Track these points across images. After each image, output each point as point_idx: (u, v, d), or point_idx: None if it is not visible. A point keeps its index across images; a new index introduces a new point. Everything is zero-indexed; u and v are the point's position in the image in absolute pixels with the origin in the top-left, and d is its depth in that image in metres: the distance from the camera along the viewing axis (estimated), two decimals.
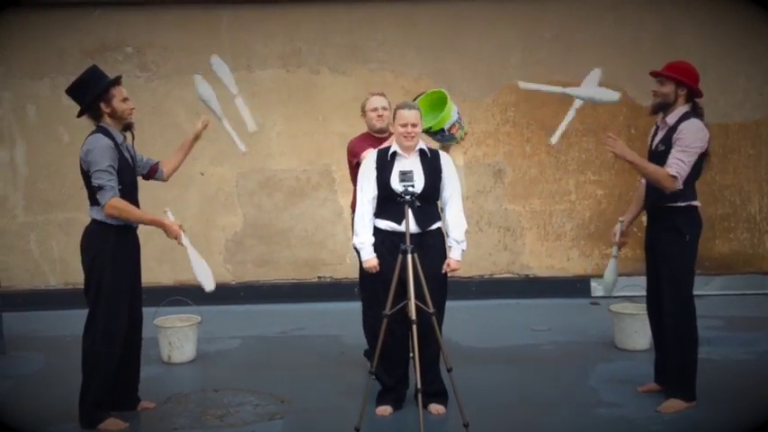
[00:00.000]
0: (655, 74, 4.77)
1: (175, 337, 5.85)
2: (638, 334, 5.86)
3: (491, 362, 5.78)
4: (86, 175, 4.59)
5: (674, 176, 4.53)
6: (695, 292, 4.79)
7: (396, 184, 4.60)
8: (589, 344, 6.18)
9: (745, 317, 6.90)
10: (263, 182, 7.90)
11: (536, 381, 5.36)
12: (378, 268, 4.65)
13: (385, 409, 4.79)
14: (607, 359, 5.77)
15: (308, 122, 7.85)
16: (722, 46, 7.71)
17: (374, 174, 4.73)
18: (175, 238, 4.72)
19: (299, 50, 7.80)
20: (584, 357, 5.85)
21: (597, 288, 7.78)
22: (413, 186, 4.47)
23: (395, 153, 4.72)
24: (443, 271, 4.71)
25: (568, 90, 5.05)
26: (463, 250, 4.77)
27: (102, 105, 4.63)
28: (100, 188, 4.50)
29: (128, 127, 4.73)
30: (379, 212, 4.75)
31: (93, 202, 4.60)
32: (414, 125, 4.65)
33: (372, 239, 4.70)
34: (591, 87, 5.06)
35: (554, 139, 5.17)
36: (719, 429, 4.53)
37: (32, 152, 7.80)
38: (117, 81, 4.72)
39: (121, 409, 4.78)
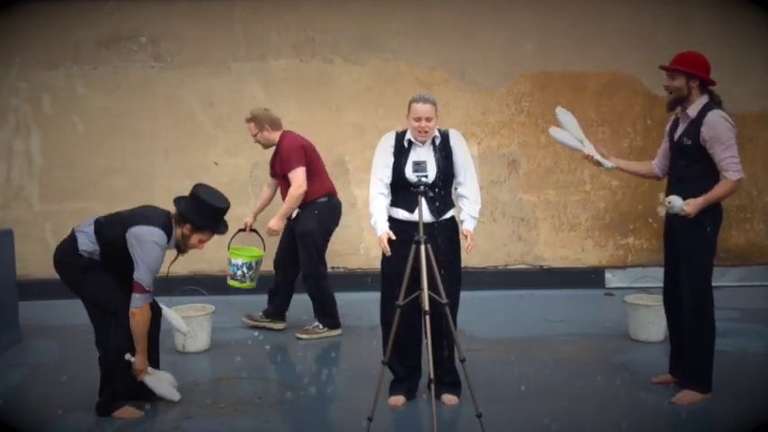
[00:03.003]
0: (664, 68, 4.71)
1: (190, 326, 5.86)
2: (652, 325, 5.83)
3: (505, 353, 5.77)
4: (122, 248, 4.55)
5: (739, 178, 4.54)
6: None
7: (409, 174, 4.57)
8: (603, 335, 6.16)
9: (761, 308, 6.85)
10: None
11: (550, 372, 5.34)
12: (392, 237, 4.57)
13: (398, 399, 4.79)
14: (621, 350, 5.75)
15: (321, 112, 7.84)
16: (738, 37, 7.65)
17: (391, 159, 4.70)
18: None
19: (312, 40, 7.79)
20: (599, 348, 5.83)
21: (611, 279, 7.77)
22: (426, 177, 4.44)
23: (410, 141, 4.69)
24: (464, 233, 4.64)
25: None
26: (475, 227, 4.72)
27: (188, 228, 4.60)
28: (141, 287, 4.49)
29: (179, 250, 4.73)
30: (394, 201, 4.73)
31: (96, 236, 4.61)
32: (428, 119, 4.59)
33: (385, 216, 4.67)
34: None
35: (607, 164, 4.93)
36: (734, 421, 4.50)
37: (47, 142, 7.85)
38: (218, 232, 4.73)
39: (140, 399, 4.80)
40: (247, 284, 6.45)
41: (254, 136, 6.33)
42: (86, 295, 4.63)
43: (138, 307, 4.53)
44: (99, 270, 4.62)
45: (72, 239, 4.65)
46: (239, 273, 6.44)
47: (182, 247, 4.70)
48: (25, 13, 7.64)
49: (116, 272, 4.65)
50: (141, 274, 4.49)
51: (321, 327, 6.28)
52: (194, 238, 4.64)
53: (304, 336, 6.24)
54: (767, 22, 7.56)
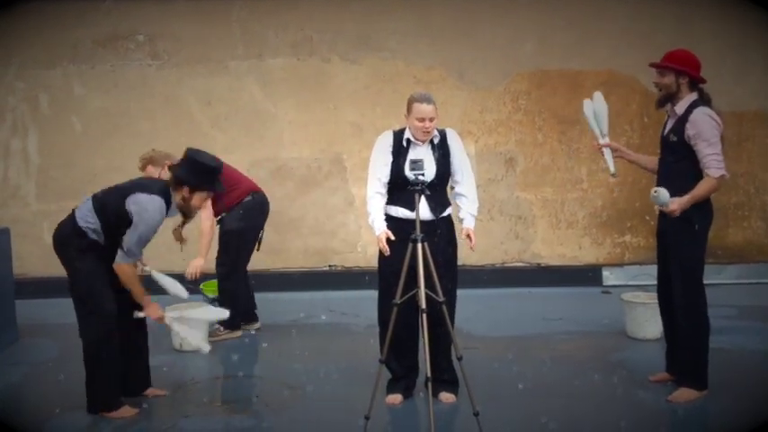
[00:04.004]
0: (654, 65, 4.74)
1: (187, 325, 5.83)
2: (649, 323, 5.83)
3: (502, 350, 5.77)
4: (124, 215, 4.55)
5: (721, 175, 4.55)
6: (708, 281, 4.76)
7: (408, 173, 4.57)
8: (600, 333, 6.16)
9: (758, 306, 6.85)
10: (275, 170, 7.90)
11: (547, 370, 5.35)
12: (391, 237, 4.56)
13: (395, 398, 4.79)
14: (618, 348, 5.75)
15: (319, 111, 7.84)
16: (737, 36, 7.66)
17: (390, 158, 4.68)
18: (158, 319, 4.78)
19: (310, 39, 7.79)
20: (596, 346, 5.84)
21: (609, 277, 7.77)
22: (423, 175, 4.44)
23: (409, 140, 4.69)
24: (465, 234, 4.67)
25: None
26: (474, 225, 4.75)
27: (186, 190, 4.62)
28: (127, 250, 4.52)
29: (184, 214, 4.72)
30: (392, 200, 4.72)
31: (95, 211, 4.62)
32: (431, 119, 4.58)
33: (383, 216, 4.66)
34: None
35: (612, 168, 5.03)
36: (731, 419, 4.50)
37: (45, 141, 7.84)
38: (216, 189, 4.80)
39: (131, 395, 4.80)
40: None
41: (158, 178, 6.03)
42: (76, 281, 4.60)
43: (119, 263, 4.53)
44: (96, 259, 4.59)
45: (71, 218, 4.65)
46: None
47: (186, 211, 4.70)
48: (22, 12, 7.63)
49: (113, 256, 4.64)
50: (131, 243, 4.50)
51: (222, 329, 6.17)
52: (195, 199, 4.66)
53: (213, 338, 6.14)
54: (766, 22, 7.56)
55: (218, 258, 6.17)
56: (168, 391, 5.01)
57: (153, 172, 6.11)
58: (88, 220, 4.60)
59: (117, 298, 4.63)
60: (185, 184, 4.62)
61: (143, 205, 4.50)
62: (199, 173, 4.64)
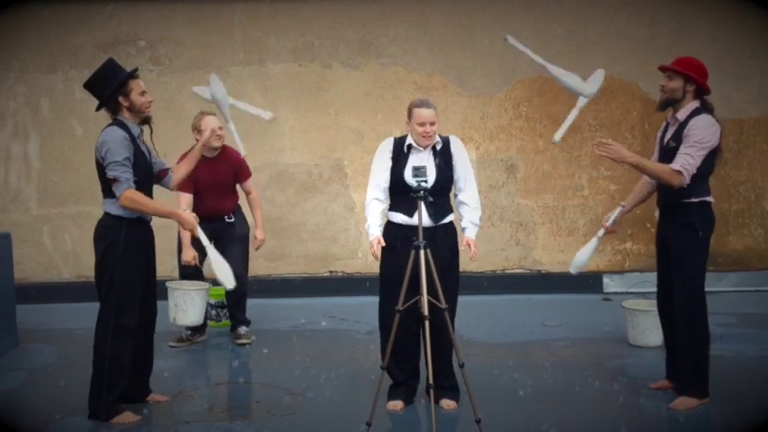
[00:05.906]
0: (664, 68, 4.72)
1: (182, 299, 5.85)
2: (650, 330, 5.83)
3: (503, 357, 5.77)
4: (101, 167, 4.59)
5: (679, 171, 4.48)
6: (708, 289, 4.76)
7: (409, 179, 4.57)
8: (601, 340, 6.16)
9: (758, 313, 6.86)
10: (276, 176, 7.91)
11: (548, 376, 5.34)
12: (382, 243, 4.60)
13: (396, 404, 4.78)
14: (619, 355, 5.75)
15: (320, 117, 7.85)
16: (736, 42, 7.67)
17: (389, 164, 4.70)
18: (191, 231, 4.75)
19: (311, 45, 7.81)
20: (597, 353, 5.83)
21: (609, 284, 7.78)
22: (425, 182, 4.44)
23: (410, 146, 4.70)
24: (465, 243, 4.68)
25: (549, 67, 5.03)
26: (476, 233, 4.76)
27: (121, 99, 4.62)
28: (115, 180, 4.49)
29: (146, 120, 4.71)
30: (393, 205, 4.73)
31: (107, 194, 4.60)
32: (432, 123, 4.61)
33: (378, 222, 4.68)
34: (572, 77, 4.99)
35: (557, 136, 5.08)
36: (732, 426, 4.50)
37: (46, 146, 7.85)
38: (134, 74, 4.69)
39: (132, 401, 4.78)
40: (224, 323, 6.48)
41: (221, 128, 5.92)
42: (109, 286, 4.56)
43: (120, 196, 4.48)
44: (135, 265, 4.59)
45: (105, 215, 4.64)
46: (213, 312, 6.46)
47: (143, 115, 4.66)
48: (24, 16, 7.65)
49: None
50: (113, 170, 4.49)
51: (248, 332, 6.24)
52: (133, 98, 4.61)
53: (245, 341, 6.18)
54: (765, 27, 7.58)
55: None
56: (169, 397, 4.99)
57: (217, 121, 6.00)
58: (112, 203, 4.58)
59: (141, 306, 4.64)
60: (113, 97, 4.61)
61: (101, 138, 4.57)
62: (106, 82, 4.62)
